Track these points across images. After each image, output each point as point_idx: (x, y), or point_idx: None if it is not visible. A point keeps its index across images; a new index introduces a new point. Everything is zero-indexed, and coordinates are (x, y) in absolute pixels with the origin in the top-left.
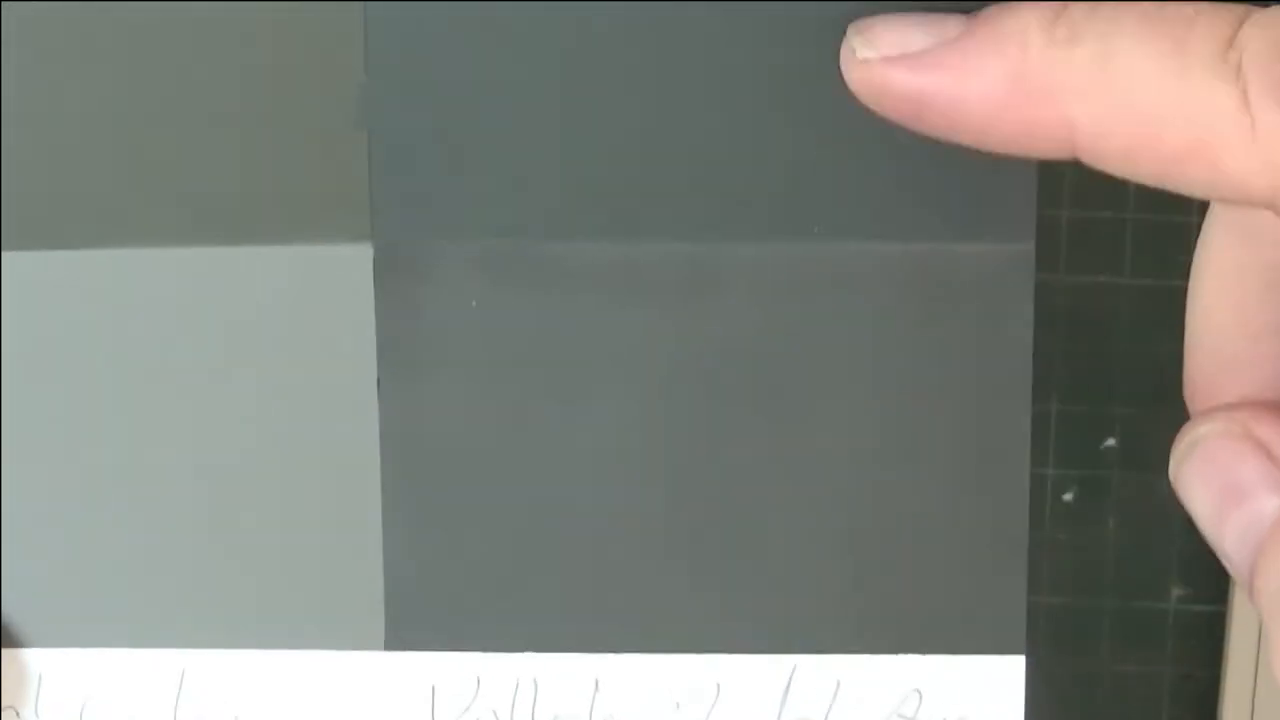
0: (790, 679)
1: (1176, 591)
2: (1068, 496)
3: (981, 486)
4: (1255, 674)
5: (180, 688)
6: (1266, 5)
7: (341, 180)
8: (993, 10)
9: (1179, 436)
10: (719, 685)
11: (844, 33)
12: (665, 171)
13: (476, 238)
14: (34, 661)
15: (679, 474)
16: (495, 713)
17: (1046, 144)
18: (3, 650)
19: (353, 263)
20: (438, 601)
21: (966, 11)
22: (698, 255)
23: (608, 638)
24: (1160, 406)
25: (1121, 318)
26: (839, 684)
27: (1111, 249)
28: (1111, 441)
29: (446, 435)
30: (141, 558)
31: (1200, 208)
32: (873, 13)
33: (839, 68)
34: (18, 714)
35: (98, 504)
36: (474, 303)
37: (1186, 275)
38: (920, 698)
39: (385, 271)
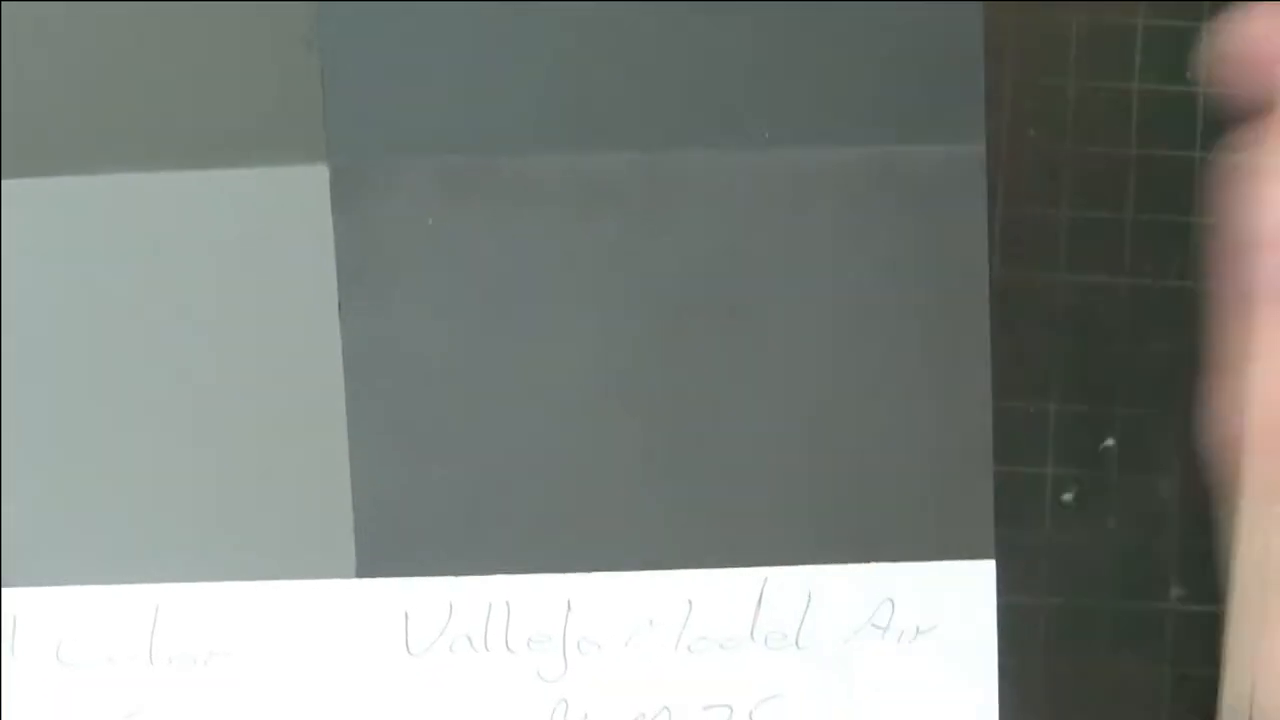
0: (762, 591)
1: (1176, 591)
2: (1067, 496)
3: (944, 394)
4: (1255, 674)
5: (155, 622)
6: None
7: (295, 101)
8: None
9: None
10: (691, 601)
11: None
12: (619, 83)
13: (431, 154)
14: (7, 602)
15: (644, 388)
16: (469, 637)
17: None
18: None
19: (309, 183)
20: (408, 526)
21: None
22: (652, 165)
23: (578, 557)
24: (1160, 406)
25: (1121, 318)
26: (810, 595)
27: (1111, 249)
28: (1111, 441)
29: (410, 356)
30: (110, 494)
31: (1200, 208)
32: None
33: None
34: None
35: (64, 442)
36: (431, 220)
37: (1186, 275)
38: (893, 607)
39: (342, 191)
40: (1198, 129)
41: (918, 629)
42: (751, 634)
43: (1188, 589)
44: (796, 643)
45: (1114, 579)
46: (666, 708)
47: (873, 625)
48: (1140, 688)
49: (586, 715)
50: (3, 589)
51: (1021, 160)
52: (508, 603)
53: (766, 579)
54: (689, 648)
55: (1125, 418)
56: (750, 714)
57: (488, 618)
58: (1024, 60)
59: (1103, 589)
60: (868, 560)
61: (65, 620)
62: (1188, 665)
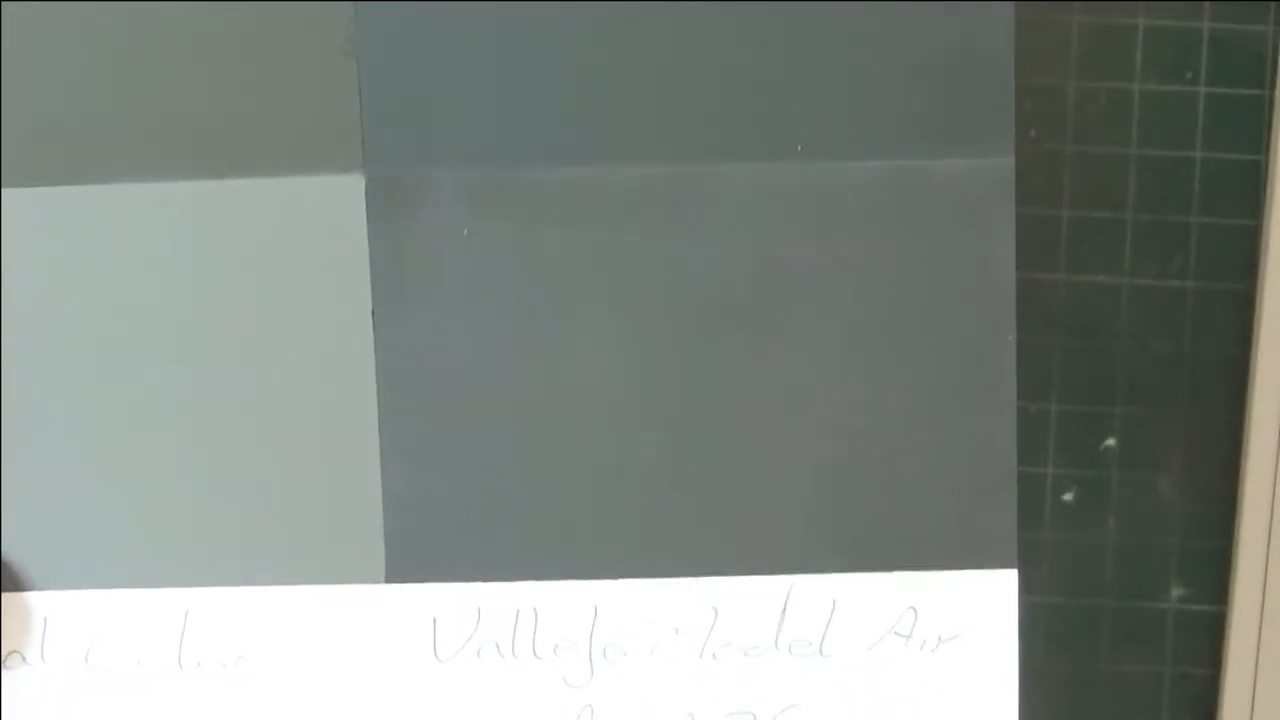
0: (787, 600)
1: (1176, 591)
2: (1068, 496)
3: (970, 403)
4: (1255, 673)
5: (184, 626)
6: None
7: (332, 110)
8: None
9: None
10: (716, 609)
11: None
12: (652, 97)
13: (466, 165)
14: (39, 604)
15: (672, 397)
16: (497, 644)
17: None
18: (8, 594)
19: (345, 193)
20: (437, 533)
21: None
22: (685, 178)
23: (605, 564)
24: (1160, 406)
25: (1121, 318)
26: (835, 603)
27: (1111, 249)
28: (1111, 441)
29: (442, 365)
30: (141, 499)
31: (1200, 208)
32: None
33: None
34: (23, 658)
35: (98, 446)
36: (465, 231)
37: (1186, 275)
38: (916, 615)
39: (377, 201)
40: (1198, 129)
41: (940, 638)
42: (776, 642)
43: (1188, 589)
44: (820, 651)
45: (1114, 579)
46: (691, 714)
47: (896, 634)
48: (1140, 688)
49: None
50: (34, 591)
51: (1021, 160)
52: (535, 609)
53: (791, 587)
54: (714, 655)
55: (1125, 418)
56: None
57: (515, 624)
58: (1024, 60)
59: (1103, 589)
60: (891, 569)
61: (95, 623)
62: (1188, 665)
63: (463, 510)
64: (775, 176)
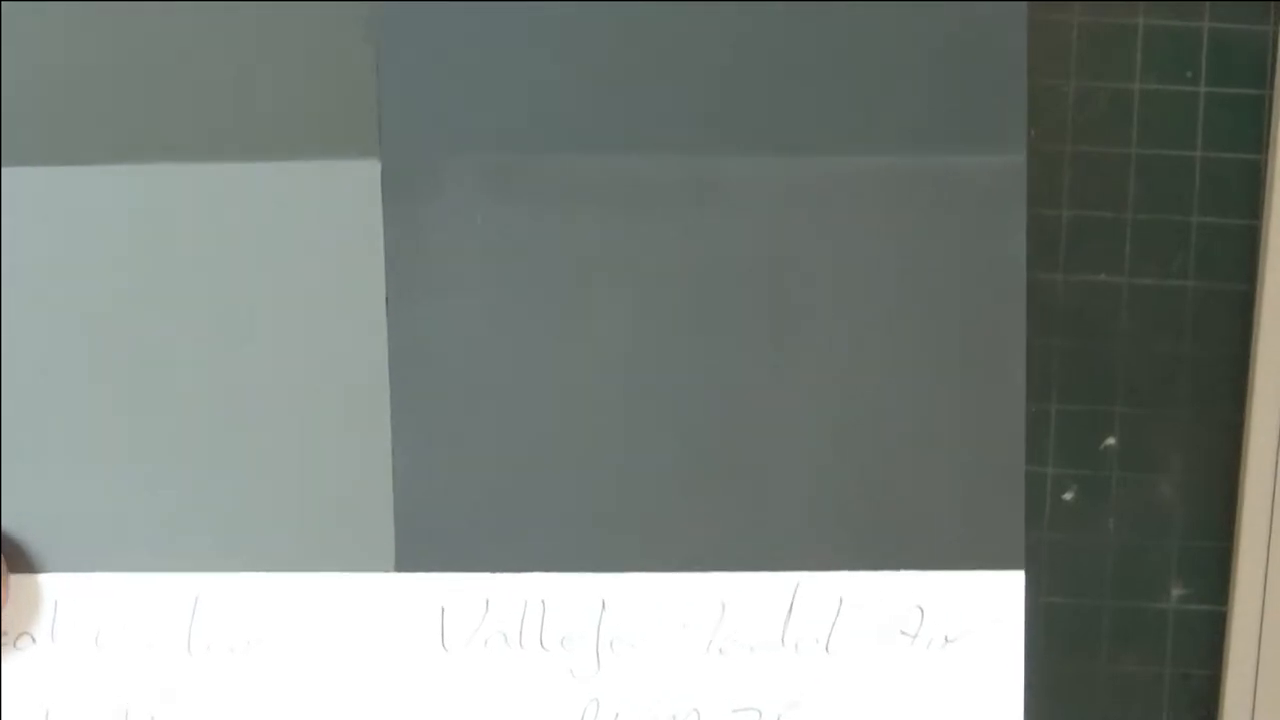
0: (794, 596)
1: (1176, 591)
2: (1068, 496)
3: (979, 403)
4: (1255, 674)
5: (194, 611)
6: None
7: (350, 96)
8: None
9: None
10: (724, 604)
11: None
12: (667, 87)
13: (482, 152)
14: (49, 587)
15: (683, 391)
16: (504, 634)
17: None
18: (18, 575)
19: (361, 178)
20: (447, 523)
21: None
22: (698, 168)
23: (614, 557)
24: (1160, 406)
25: (1121, 318)
26: (842, 600)
27: (1111, 249)
28: (1111, 441)
29: (454, 353)
30: (153, 483)
31: (1200, 208)
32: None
33: None
34: (34, 639)
35: (109, 430)
36: (479, 218)
37: (1186, 275)
38: (922, 614)
39: (393, 187)
40: (1198, 129)
41: (946, 637)
42: (782, 638)
43: (1188, 589)
44: (826, 648)
45: (1114, 579)
46: (696, 709)
47: (902, 632)
48: (1140, 688)
49: (617, 715)
50: (45, 574)
51: None
52: (543, 601)
53: (799, 584)
54: (720, 650)
55: (1125, 418)
56: (778, 718)
57: (523, 615)
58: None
59: (1103, 589)
60: (898, 568)
61: (105, 606)
62: (1188, 665)
63: (472, 501)
64: (789, 170)
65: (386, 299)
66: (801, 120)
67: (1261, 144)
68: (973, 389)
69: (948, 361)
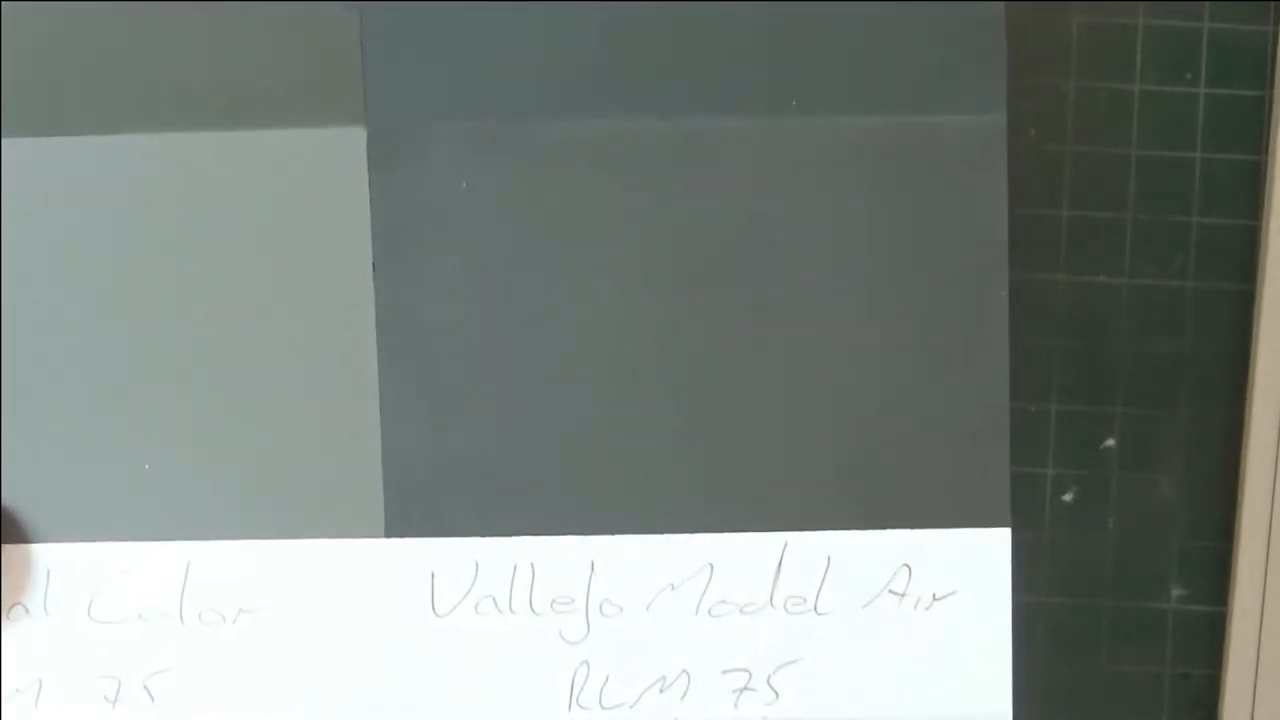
0: (782, 556)
1: (1176, 591)
2: (1067, 496)
3: (963, 360)
4: (1255, 674)
5: (186, 579)
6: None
7: (334, 63)
8: None
9: None
10: (712, 565)
11: None
12: (652, 51)
13: (467, 118)
14: (41, 556)
15: (669, 354)
16: (494, 598)
17: None
18: (10, 546)
19: (347, 145)
20: (436, 487)
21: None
22: (683, 131)
23: (602, 520)
24: (1160, 406)
25: (1121, 318)
26: (829, 560)
27: (1111, 249)
28: (1111, 441)
29: (442, 319)
30: (142, 452)
31: (1200, 208)
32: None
33: None
34: (26, 609)
35: (99, 399)
36: (465, 184)
37: (1186, 275)
38: (910, 573)
39: (379, 154)
40: (1198, 129)
41: (934, 595)
42: (771, 599)
43: (1188, 589)
44: (815, 608)
45: (1114, 579)
46: (686, 671)
47: (890, 591)
48: (1140, 688)
49: (608, 677)
50: (37, 544)
51: (1021, 160)
52: (532, 564)
53: (786, 544)
54: (709, 611)
55: (1125, 418)
56: (768, 678)
57: (512, 579)
58: (1024, 60)
59: (1103, 589)
60: (886, 527)
61: (97, 576)
62: (1187, 665)
63: (462, 465)
64: (773, 131)
65: (373, 265)
66: (784, 81)
67: (1261, 144)
68: (957, 346)
69: (932, 319)
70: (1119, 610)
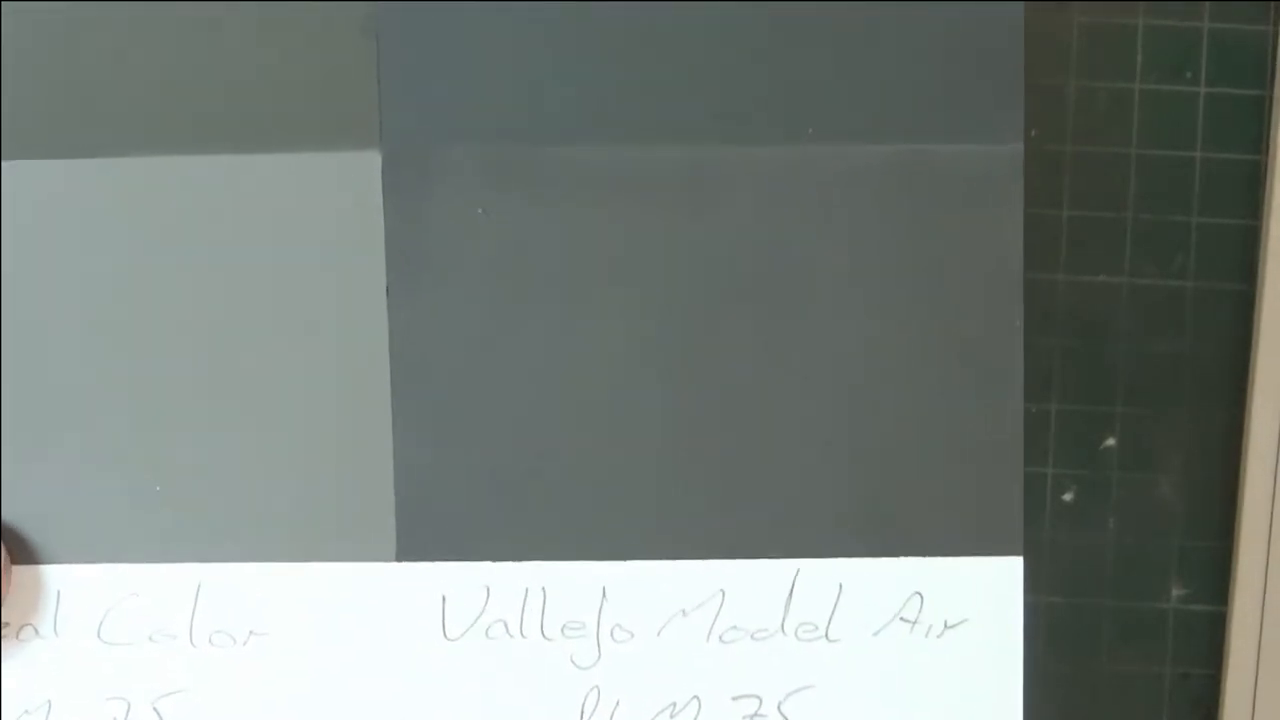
0: (794, 583)
1: (1176, 591)
2: (1067, 496)
3: (977, 390)
4: (1255, 673)
5: (196, 601)
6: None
7: (350, 88)
8: None
9: None
10: (724, 591)
11: None
12: (667, 77)
13: (482, 143)
14: (52, 578)
15: (683, 380)
16: (505, 623)
17: None
18: (21, 566)
19: (362, 169)
20: (448, 511)
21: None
22: (699, 158)
23: (614, 545)
24: (1160, 406)
25: (1121, 318)
26: (841, 587)
27: (1111, 249)
28: (1111, 441)
29: (455, 344)
30: (155, 473)
31: (1200, 208)
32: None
33: None
34: (36, 630)
35: (111, 421)
36: (480, 209)
37: (1186, 275)
38: (921, 600)
39: (394, 178)
40: (1198, 129)
41: (946, 623)
42: (782, 625)
43: (1188, 589)
44: (826, 635)
45: (1114, 579)
46: (696, 697)
47: (902, 619)
48: (1140, 688)
49: (618, 703)
50: (47, 565)
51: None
52: (544, 589)
53: (798, 571)
54: (720, 638)
55: (1125, 418)
56: (779, 705)
57: (524, 604)
58: (1024, 60)
59: (1102, 589)
60: (898, 554)
61: (108, 597)
62: (1188, 665)
63: (473, 490)
64: (788, 159)
65: (387, 290)
66: (799, 110)
67: (1261, 144)
68: (971, 376)
69: (946, 349)
70: (1119, 610)
